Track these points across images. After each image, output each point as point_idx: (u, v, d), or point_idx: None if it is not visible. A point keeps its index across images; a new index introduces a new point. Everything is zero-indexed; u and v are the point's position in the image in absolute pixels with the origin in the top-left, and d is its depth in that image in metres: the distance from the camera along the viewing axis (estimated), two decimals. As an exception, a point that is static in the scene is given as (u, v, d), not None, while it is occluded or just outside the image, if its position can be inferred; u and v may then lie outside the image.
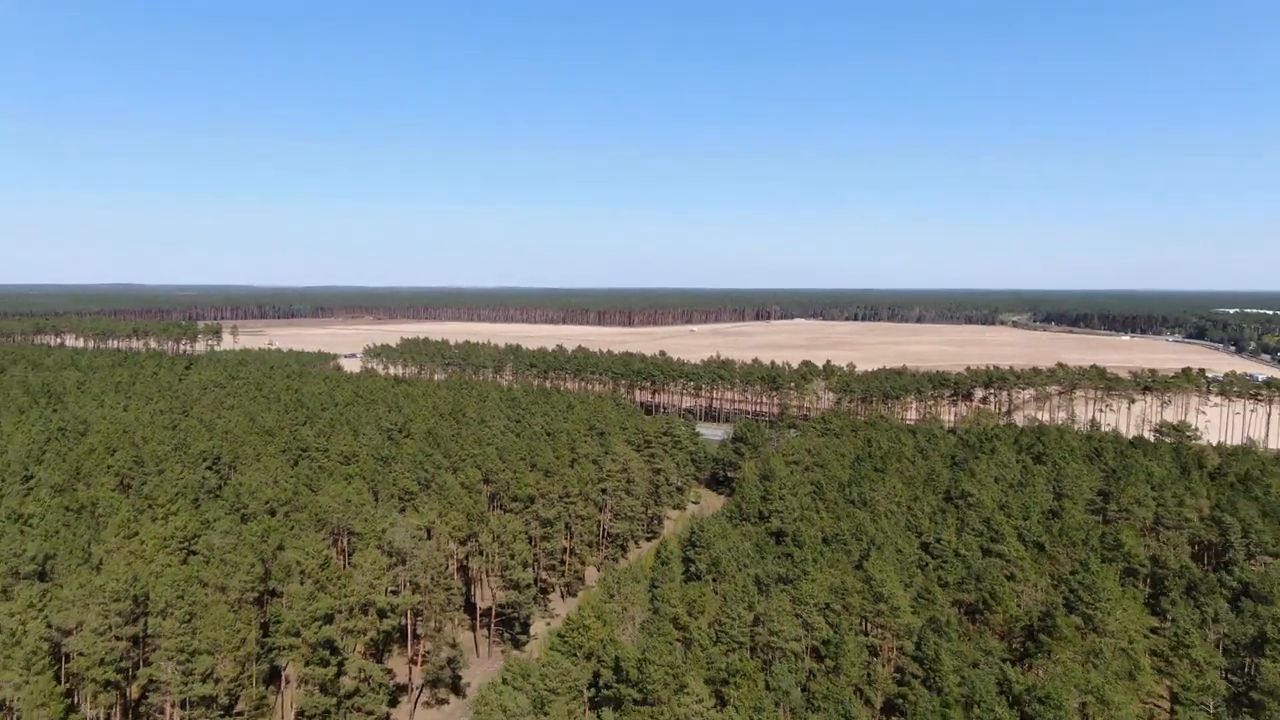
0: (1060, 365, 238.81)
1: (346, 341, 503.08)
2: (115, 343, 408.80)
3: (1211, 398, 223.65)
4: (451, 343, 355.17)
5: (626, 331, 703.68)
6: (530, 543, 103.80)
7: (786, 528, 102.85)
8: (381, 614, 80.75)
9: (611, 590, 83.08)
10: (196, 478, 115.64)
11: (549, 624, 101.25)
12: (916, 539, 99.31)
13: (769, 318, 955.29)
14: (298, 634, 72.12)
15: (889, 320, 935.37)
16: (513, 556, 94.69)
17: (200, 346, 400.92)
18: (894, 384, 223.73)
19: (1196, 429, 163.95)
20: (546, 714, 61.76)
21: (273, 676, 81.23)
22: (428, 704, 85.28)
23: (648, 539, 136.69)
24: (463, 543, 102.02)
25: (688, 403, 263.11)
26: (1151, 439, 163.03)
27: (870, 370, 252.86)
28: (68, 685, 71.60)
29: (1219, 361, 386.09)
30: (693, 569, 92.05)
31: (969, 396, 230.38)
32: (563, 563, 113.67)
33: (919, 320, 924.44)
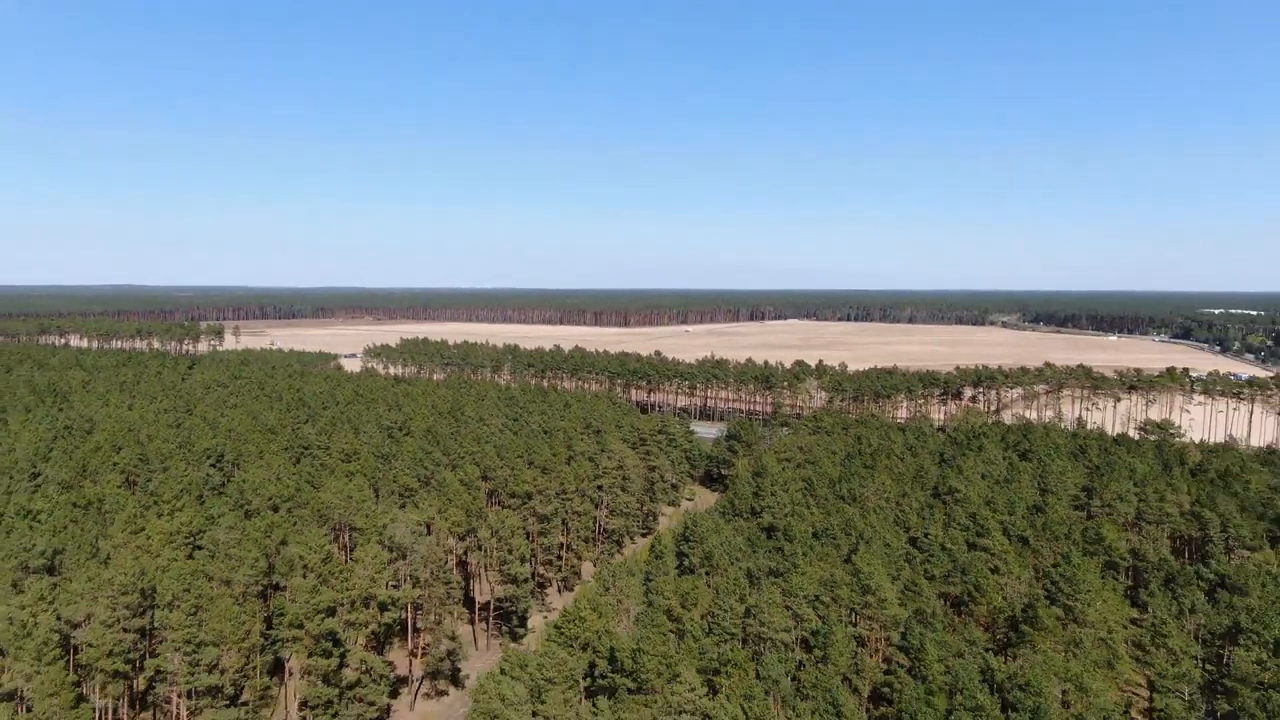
0: (1048, 365, 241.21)
1: (347, 342, 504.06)
2: (119, 343, 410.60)
3: (1195, 396, 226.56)
4: (450, 343, 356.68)
5: (623, 332, 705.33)
6: (528, 538, 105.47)
7: (778, 523, 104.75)
8: (382, 607, 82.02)
9: (607, 584, 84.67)
10: (201, 475, 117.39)
11: (546, 617, 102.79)
12: (904, 534, 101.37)
13: (763, 318, 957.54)
14: (301, 626, 73.29)
15: (881, 321, 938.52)
16: (510, 552, 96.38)
17: (203, 347, 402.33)
18: (885, 383, 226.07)
19: (1180, 427, 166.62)
20: (543, 703, 62.76)
21: (276, 667, 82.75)
22: (427, 695, 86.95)
23: (643, 534, 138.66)
24: (462, 538, 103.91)
25: (683, 402, 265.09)
26: (1135, 437, 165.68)
27: (862, 370, 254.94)
28: (77, 676, 72.83)
29: (1204, 361, 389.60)
30: (686, 563, 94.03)
31: (958, 395, 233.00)
32: (560, 558, 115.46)
33: (911, 320, 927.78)
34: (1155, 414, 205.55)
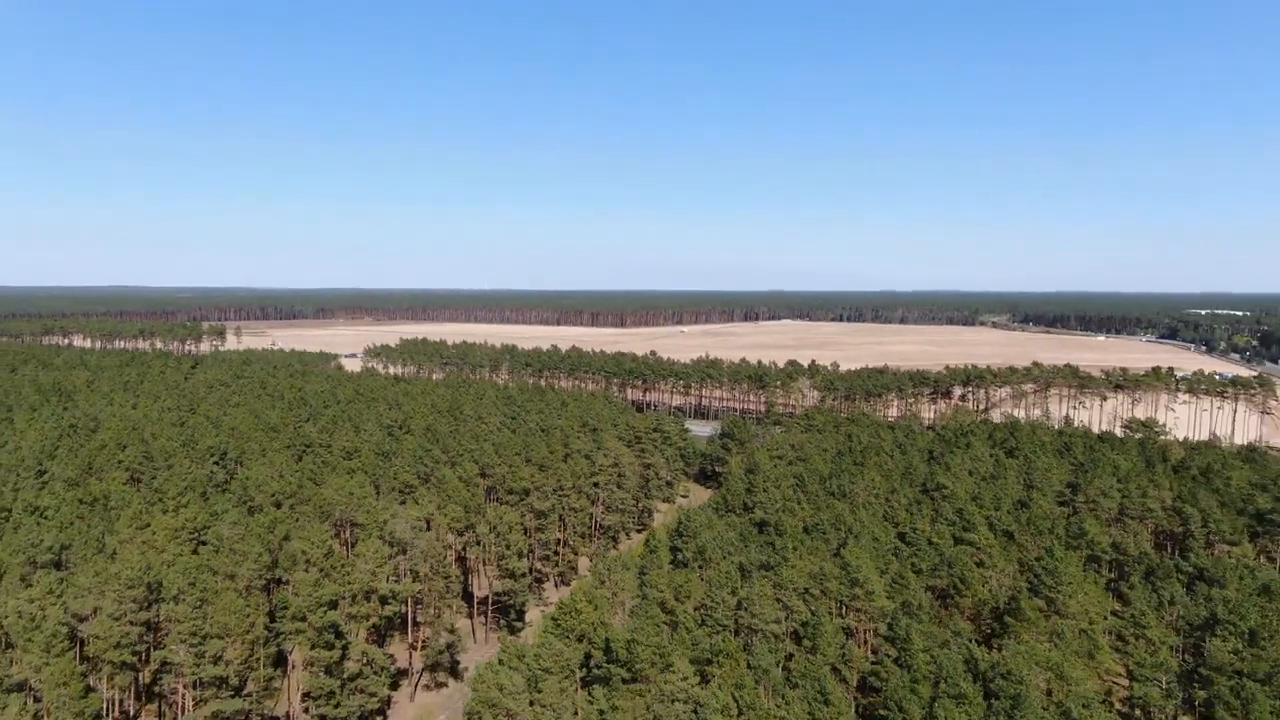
0: (1036, 364, 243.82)
1: (347, 342, 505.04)
2: (122, 343, 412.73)
3: (1180, 395, 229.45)
4: (449, 343, 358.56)
5: (619, 332, 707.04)
6: (525, 534, 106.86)
7: (769, 518, 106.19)
8: (383, 601, 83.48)
9: (603, 577, 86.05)
10: (204, 472, 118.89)
11: (543, 611, 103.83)
12: (893, 529, 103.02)
13: (757, 319, 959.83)
14: (304, 619, 74.26)
15: (874, 321, 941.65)
16: (508, 547, 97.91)
17: (205, 347, 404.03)
18: (876, 382, 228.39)
19: (1164, 425, 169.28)
20: (540, 692, 63.77)
21: (280, 659, 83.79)
22: (427, 687, 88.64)
23: (638, 530, 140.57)
24: (460, 534, 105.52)
25: (677, 401, 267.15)
26: (1120, 434, 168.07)
27: (854, 369, 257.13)
28: (85, 667, 73.89)
29: (1190, 361, 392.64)
30: (680, 557, 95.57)
31: (948, 394, 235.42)
32: (556, 553, 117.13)
33: (902, 321, 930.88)
34: (1141, 413, 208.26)
